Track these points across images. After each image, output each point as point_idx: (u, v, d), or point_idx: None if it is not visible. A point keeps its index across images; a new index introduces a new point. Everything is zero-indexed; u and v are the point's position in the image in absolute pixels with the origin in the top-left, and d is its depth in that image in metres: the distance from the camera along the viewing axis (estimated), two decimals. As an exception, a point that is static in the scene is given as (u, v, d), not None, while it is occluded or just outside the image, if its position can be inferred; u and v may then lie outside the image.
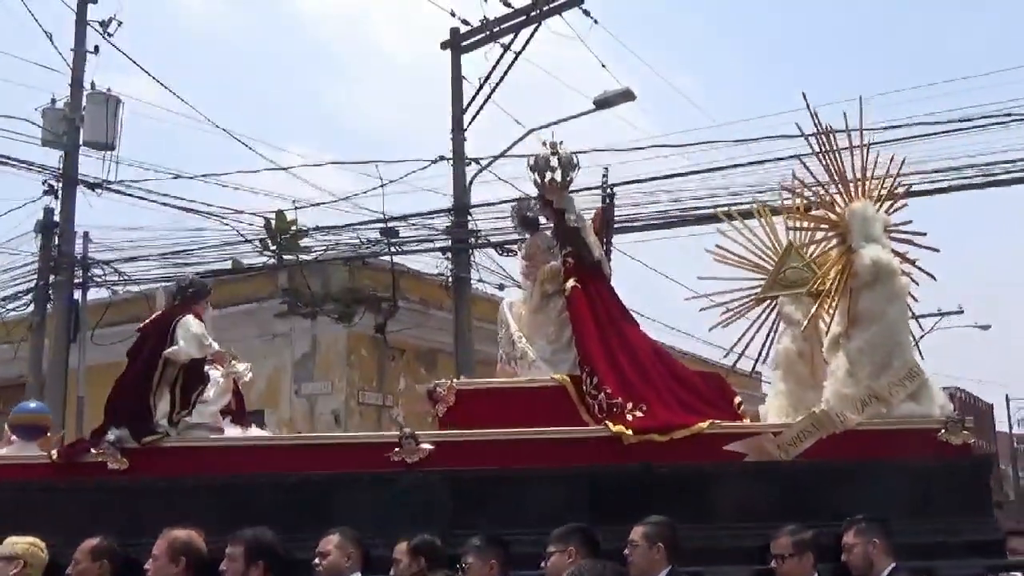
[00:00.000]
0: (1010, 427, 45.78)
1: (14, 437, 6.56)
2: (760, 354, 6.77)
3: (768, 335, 6.70)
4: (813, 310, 6.41)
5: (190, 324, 6.03)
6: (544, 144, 6.87)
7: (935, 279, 6.39)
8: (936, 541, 5.57)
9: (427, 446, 5.83)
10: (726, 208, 8.76)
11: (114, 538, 5.22)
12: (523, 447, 5.89)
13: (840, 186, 6.44)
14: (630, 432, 5.89)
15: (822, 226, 6.49)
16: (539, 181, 6.74)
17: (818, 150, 6.50)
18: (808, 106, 6.47)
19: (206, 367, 6.24)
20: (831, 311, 6.24)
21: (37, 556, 5.28)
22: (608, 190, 7.50)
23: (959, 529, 5.69)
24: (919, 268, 6.39)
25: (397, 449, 5.82)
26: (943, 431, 5.95)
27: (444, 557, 5.22)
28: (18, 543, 5.27)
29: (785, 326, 6.59)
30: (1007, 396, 45.21)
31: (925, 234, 6.39)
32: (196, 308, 6.25)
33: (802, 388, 6.43)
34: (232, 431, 6.34)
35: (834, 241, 6.41)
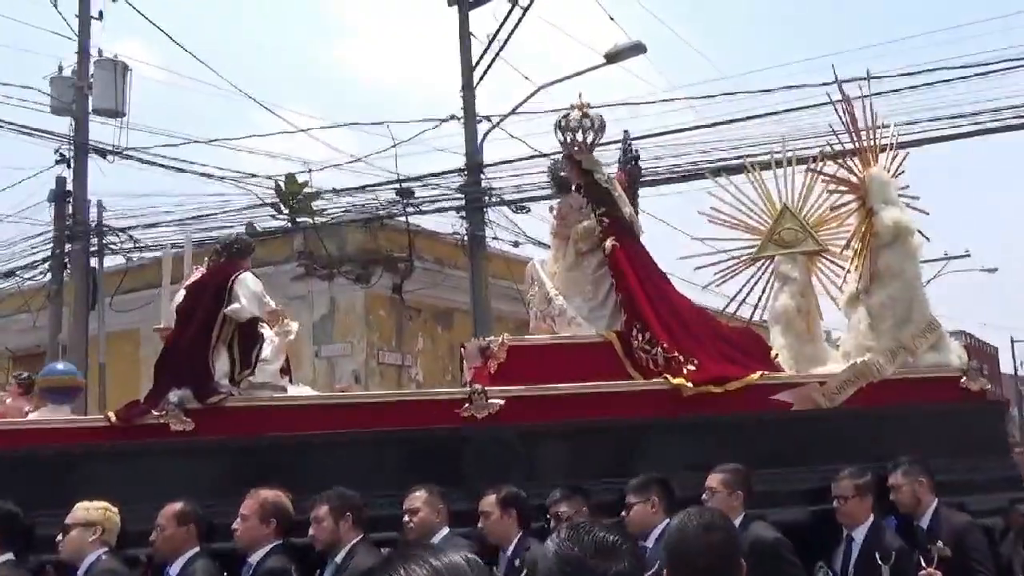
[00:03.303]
0: (1015, 369, 45.81)
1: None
2: (755, 309, 7.12)
3: (763, 292, 6.98)
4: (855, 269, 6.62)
5: (249, 282, 5.88)
6: (572, 105, 6.86)
7: (929, 240, 6.84)
8: (962, 478, 5.94)
9: (496, 401, 5.84)
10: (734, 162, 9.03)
11: (195, 501, 5.10)
12: (586, 400, 6.01)
13: (853, 135, 6.80)
14: (690, 384, 6.04)
15: (843, 188, 6.79)
16: (566, 141, 6.76)
17: (840, 115, 6.91)
18: (835, 76, 7.13)
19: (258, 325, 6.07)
20: (857, 269, 6.60)
21: (112, 521, 5.10)
22: (633, 151, 7.55)
23: (980, 467, 6.16)
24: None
25: (467, 405, 5.83)
26: (964, 378, 6.43)
27: (532, 508, 5.27)
28: (92, 508, 5.07)
29: (781, 284, 6.83)
30: (1012, 338, 45.22)
31: (919, 198, 6.86)
32: (243, 264, 6.09)
33: (800, 342, 6.72)
34: (294, 390, 6.29)
35: (852, 204, 6.75)
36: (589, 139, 6.72)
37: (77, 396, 6.84)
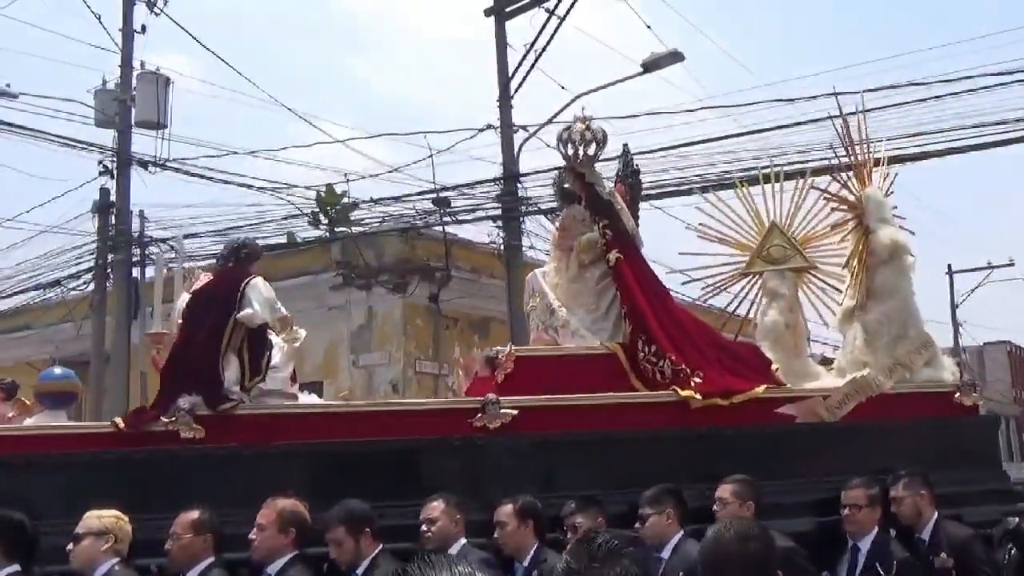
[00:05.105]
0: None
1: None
2: (740, 325, 7.27)
3: (751, 306, 7.12)
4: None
5: (261, 287, 5.76)
6: (575, 118, 6.91)
7: (914, 257, 6.93)
8: (956, 490, 6.03)
9: (509, 411, 5.79)
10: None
11: (212, 510, 4.92)
12: (597, 411, 6.03)
13: (848, 149, 7.03)
14: (698, 396, 6.05)
15: (842, 207, 6.95)
16: (569, 154, 6.79)
17: (838, 132, 7.19)
18: (838, 104, 7.44)
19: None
20: (856, 286, 6.77)
21: (124, 529, 4.92)
22: (632, 165, 7.59)
23: (974, 478, 6.35)
24: None
25: (480, 415, 5.79)
26: (958, 394, 6.61)
27: (548, 518, 5.24)
28: (104, 517, 4.89)
29: (769, 300, 6.93)
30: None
31: (904, 219, 7.08)
32: (251, 270, 5.98)
33: (788, 357, 6.80)
34: (305, 398, 6.22)
35: (850, 223, 6.91)
36: (591, 152, 6.75)
37: (74, 402, 6.74)
